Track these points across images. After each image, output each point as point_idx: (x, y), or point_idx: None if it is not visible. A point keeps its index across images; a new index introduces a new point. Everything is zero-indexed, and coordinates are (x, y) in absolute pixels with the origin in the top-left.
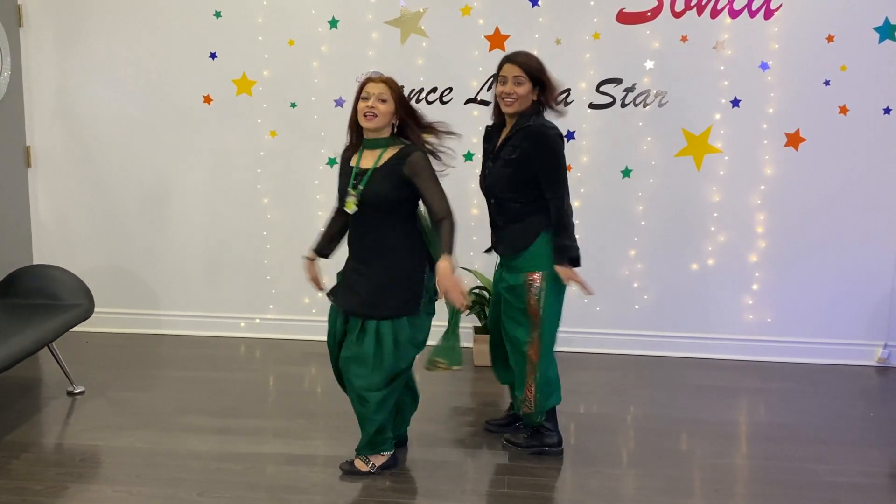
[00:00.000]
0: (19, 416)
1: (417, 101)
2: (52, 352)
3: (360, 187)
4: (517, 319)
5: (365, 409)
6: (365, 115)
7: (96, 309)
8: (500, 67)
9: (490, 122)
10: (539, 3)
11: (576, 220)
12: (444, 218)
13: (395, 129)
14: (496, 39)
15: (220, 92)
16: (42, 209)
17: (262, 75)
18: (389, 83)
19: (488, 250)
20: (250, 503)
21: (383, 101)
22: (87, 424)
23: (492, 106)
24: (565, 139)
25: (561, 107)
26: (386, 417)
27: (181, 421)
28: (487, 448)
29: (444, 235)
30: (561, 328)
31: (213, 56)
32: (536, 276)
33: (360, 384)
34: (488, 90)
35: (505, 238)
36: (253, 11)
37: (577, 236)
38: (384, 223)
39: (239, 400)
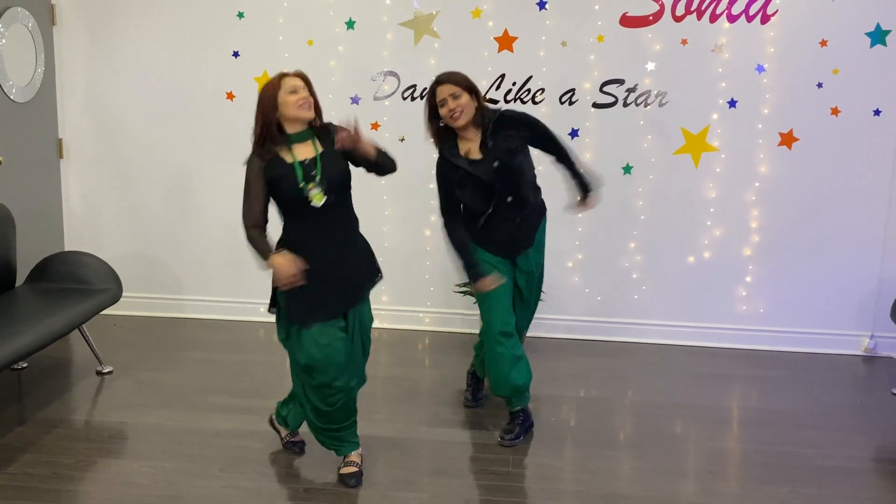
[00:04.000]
0: (51, 394)
1: None
2: (82, 334)
3: (317, 176)
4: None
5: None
6: (300, 106)
7: (124, 293)
8: (432, 94)
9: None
10: (546, 6)
11: (579, 214)
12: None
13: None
14: (505, 41)
15: (242, 89)
16: (73, 199)
17: None
18: (302, 76)
19: (507, 255)
20: (269, 479)
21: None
22: (114, 403)
23: (433, 135)
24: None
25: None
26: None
27: (204, 400)
28: (493, 429)
29: (387, 156)
30: (563, 316)
31: (235, 55)
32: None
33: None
34: (496, 89)
35: (527, 229)
36: (274, 12)
37: (579, 229)
38: (348, 201)
39: (258, 381)
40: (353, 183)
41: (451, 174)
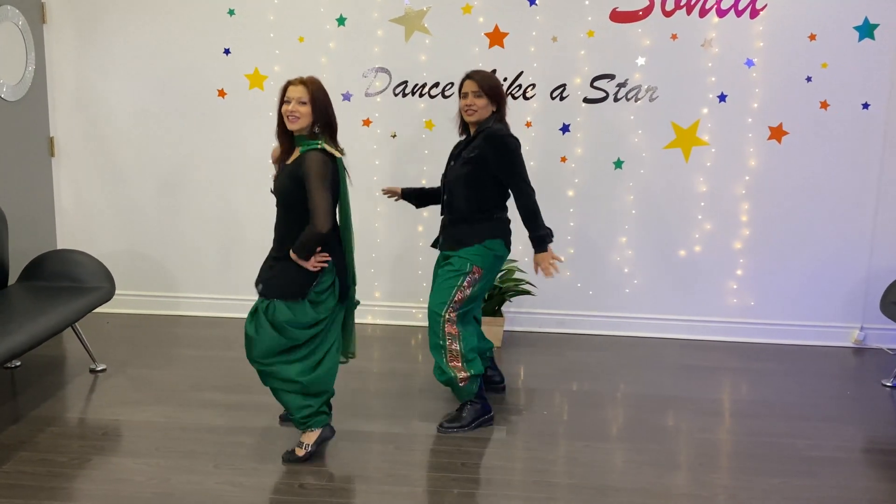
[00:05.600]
0: (45, 392)
1: (420, 95)
2: (75, 332)
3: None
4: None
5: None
6: (288, 118)
7: (116, 291)
8: (461, 84)
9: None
10: (536, 2)
11: (570, 209)
12: (314, 225)
13: (318, 128)
14: (495, 37)
15: (233, 86)
16: (65, 197)
17: (273, 70)
18: (308, 85)
19: (434, 244)
20: (262, 474)
21: (303, 103)
22: (108, 400)
23: (457, 120)
24: (562, 131)
25: (506, 120)
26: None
27: (197, 397)
28: (486, 424)
29: (302, 236)
30: (555, 310)
31: (226, 52)
32: (478, 270)
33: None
34: None
35: (450, 236)
36: (265, 9)
37: (570, 224)
38: (289, 217)
39: (251, 378)
40: (348, 180)
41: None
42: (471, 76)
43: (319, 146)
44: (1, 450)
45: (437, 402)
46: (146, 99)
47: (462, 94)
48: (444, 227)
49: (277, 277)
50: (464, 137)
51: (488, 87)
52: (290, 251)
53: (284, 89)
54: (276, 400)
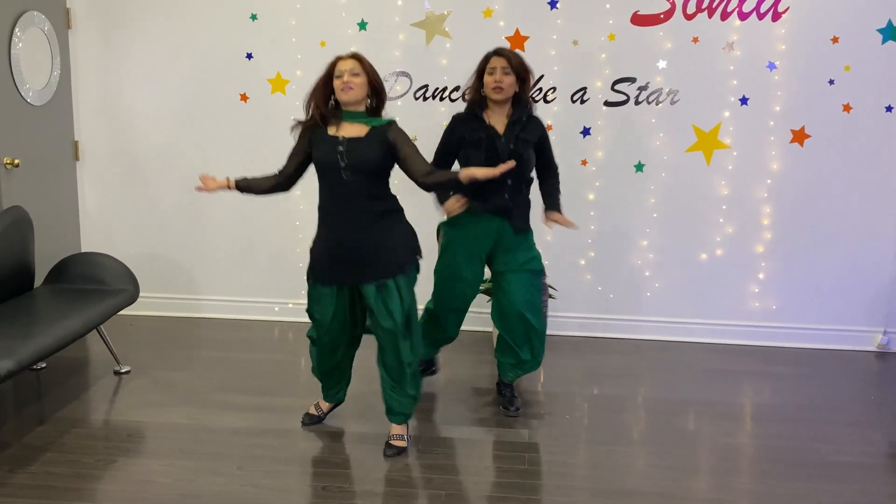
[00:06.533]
0: (70, 394)
1: (441, 99)
2: (100, 334)
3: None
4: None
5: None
6: (343, 90)
7: (140, 294)
8: (488, 59)
9: (460, 114)
10: (557, 5)
11: (591, 212)
12: (431, 170)
13: (373, 103)
14: (516, 40)
15: (255, 90)
16: (89, 200)
17: (295, 75)
18: (359, 58)
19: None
20: (285, 476)
21: (356, 74)
22: (132, 402)
23: (469, 96)
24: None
25: (531, 99)
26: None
27: (220, 399)
28: (507, 427)
29: (444, 173)
30: (576, 314)
31: (249, 56)
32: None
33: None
34: None
35: (521, 216)
36: (287, 14)
37: (591, 227)
38: (375, 190)
39: (274, 380)
40: None
41: (470, 132)
42: (500, 52)
43: (395, 122)
44: (28, 451)
45: (459, 404)
46: (169, 103)
47: (489, 71)
48: (510, 210)
49: (389, 253)
50: (467, 113)
51: (517, 64)
52: (463, 171)
53: (333, 64)
54: (303, 402)
